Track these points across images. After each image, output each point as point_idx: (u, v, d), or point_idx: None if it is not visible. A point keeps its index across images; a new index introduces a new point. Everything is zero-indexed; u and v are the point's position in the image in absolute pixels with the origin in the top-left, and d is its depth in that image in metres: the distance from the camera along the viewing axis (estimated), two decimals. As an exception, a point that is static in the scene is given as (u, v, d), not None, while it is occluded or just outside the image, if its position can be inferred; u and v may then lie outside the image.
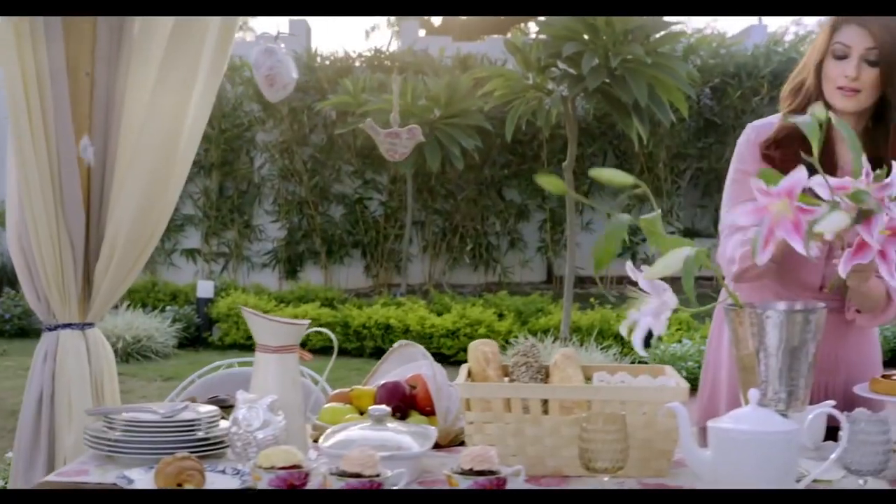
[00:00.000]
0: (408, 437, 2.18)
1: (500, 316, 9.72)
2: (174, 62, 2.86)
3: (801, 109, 2.44)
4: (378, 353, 9.30)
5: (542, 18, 7.72)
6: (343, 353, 9.38)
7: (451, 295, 10.64)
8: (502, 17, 17.17)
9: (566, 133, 8.17)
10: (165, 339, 9.35)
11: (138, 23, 2.92)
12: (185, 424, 2.29)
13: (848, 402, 2.41)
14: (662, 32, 7.79)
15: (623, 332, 2.04)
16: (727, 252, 2.44)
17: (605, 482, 1.96)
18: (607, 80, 7.45)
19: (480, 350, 2.38)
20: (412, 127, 2.53)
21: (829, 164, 2.42)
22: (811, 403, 2.14)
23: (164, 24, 2.88)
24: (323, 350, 9.40)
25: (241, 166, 11.89)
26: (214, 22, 2.88)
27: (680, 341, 8.32)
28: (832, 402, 2.23)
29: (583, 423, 1.94)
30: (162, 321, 9.60)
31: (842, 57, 2.38)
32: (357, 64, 12.00)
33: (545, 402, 2.15)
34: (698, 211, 12.42)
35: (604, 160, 11.77)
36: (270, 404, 2.16)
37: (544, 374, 2.35)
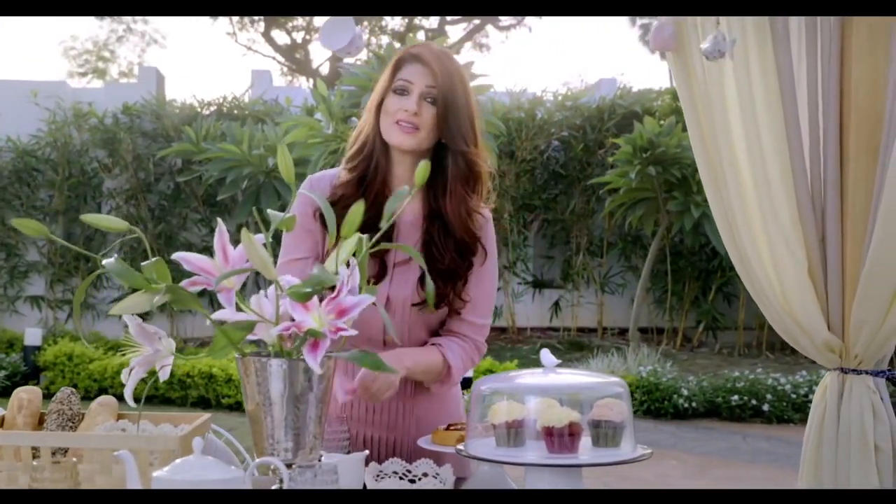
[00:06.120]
0: None
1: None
2: None
3: (364, 152, 2.46)
4: (201, 402, 9.19)
5: (351, 68, 7.78)
6: (168, 402, 9.28)
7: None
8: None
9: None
10: (-17, 388, 9.16)
11: None
12: None
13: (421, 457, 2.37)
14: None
15: (124, 379, 2.05)
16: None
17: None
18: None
19: (18, 396, 2.36)
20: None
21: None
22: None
23: None
24: (148, 399, 9.28)
25: (86, 213, 11.70)
26: None
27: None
28: (366, 453, 2.25)
29: (32, 472, 1.93)
30: (-15, 369, 9.41)
31: (403, 93, 2.38)
32: (206, 112, 11.97)
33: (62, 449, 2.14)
34: (546, 262, 12.54)
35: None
36: None
37: (77, 422, 2.33)
